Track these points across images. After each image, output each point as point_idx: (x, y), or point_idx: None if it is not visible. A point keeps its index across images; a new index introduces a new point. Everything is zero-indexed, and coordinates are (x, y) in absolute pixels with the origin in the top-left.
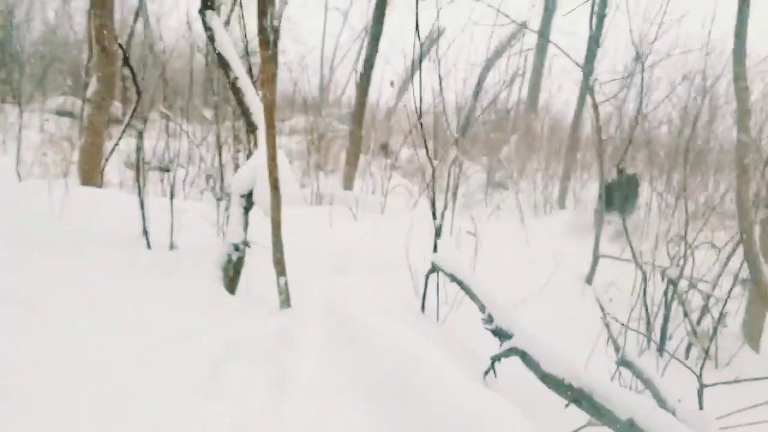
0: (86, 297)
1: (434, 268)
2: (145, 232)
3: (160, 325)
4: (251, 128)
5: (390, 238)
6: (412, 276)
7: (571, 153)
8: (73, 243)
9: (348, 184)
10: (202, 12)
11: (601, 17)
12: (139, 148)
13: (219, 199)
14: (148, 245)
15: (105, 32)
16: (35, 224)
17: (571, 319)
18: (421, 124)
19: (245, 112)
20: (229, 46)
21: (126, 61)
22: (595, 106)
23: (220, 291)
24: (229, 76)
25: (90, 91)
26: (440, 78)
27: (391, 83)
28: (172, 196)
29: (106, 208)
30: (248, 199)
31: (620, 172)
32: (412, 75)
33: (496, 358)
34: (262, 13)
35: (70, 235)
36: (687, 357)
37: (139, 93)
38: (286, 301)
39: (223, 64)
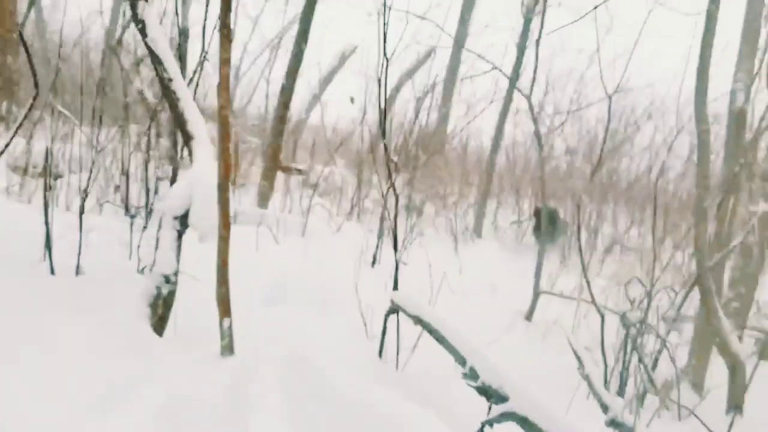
0: None
1: (394, 308)
2: (49, 255)
3: (77, 384)
4: (186, 138)
5: (321, 265)
6: (362, 314)
7: (487, 180)
8: None
9: (263, 202)
10: (132, 2)
11: (522, 49)
12: (49, 153)
13: (133, 216)
14: (52, 270)
15: (6, 17)
16: None
17: (520, 364)
18: (386, 147)
19: (179, 120)
20: (164, 42)
21: (26, 51)
22: (539, 137)
23: (147, 332)
24: (162, 77)
25: None
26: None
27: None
28: (81, 211)
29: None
30: (183, 221)
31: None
32: (322, 89)
33: (488, 423)
34: (226, 7)
35: None
36: (642, 405)
37: (37, 87)
38: (228, 348)
39: (156, 62)
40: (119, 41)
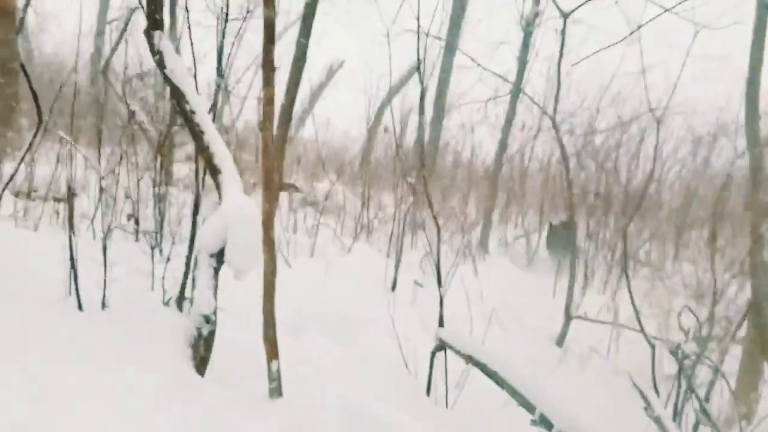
0: (10, 387)
1: (442, 346)
2: (76, 290)
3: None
4: (213, 172)
5: (338, 289)
6: (400, 347)
7: (491, 195)
8: None
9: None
10: (148, 33)
11: (524, 62)
12: (71, 189)
13: (153, 247)
14: (80, 306)
15: (8, 47)
16: None
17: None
18: (423, 165)
19: (204, 153)
20: (183, 73)
21: (29, 82)
22: (565, 158)
23: (191, 374)
24: (183, 109)
25: None
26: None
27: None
28: (105, 247)
29: (14, 253)
30: (219, 258)
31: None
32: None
33: None
34: (269, 41)
35: None
36: None
37: (40, 118)
38: (277, 390)
39: (176, 94)
40: (107, 64)
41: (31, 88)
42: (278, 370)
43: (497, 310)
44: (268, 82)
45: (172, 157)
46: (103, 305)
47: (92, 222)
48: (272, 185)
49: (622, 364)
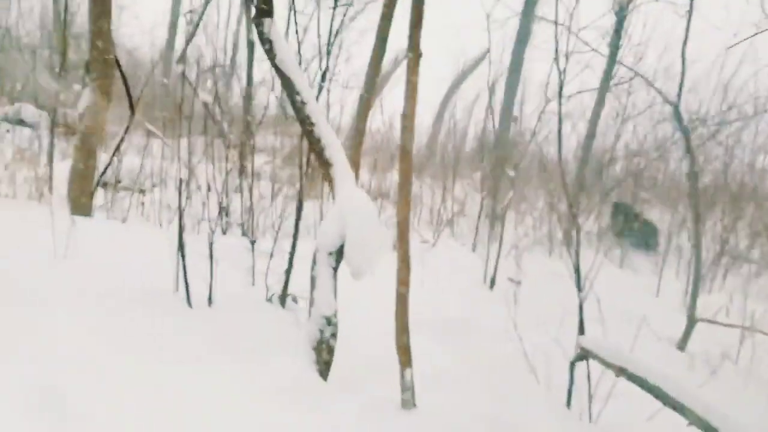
0: (135, 389)
1: (584, 355)
2: (186, 288)
3: None
4: (325, 166)
5: (438, 287)
6: (526, 356)
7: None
8: (96, 302)
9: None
10: (257, 21)
11: (616, 47)
12: (183, 184)
13: (253, 242)
14: (189, 303)
15: (103, 37)
16: (40, 271)
17: None
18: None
19: (315, 146)
20: (293, 63)
21: (122, 75)
22: (691, 150)
23: (314, 378)
24: (294, 100)
25: (82, 104)
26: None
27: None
28: (212, 243)
29: (119, 246)
30: (338, 256)
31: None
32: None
33: None
34: (417, 26)
35: (90, 289)
36: None
37: (133, 110)
38: (411, 401)
39: (287, 85)
40: (182, 56)
41: (125, 82)
42: (412, 379)
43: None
44: (414, 68)
45: (254, 149)
46: (210, 301)
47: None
48: (407, 186)
49: (755, 370)
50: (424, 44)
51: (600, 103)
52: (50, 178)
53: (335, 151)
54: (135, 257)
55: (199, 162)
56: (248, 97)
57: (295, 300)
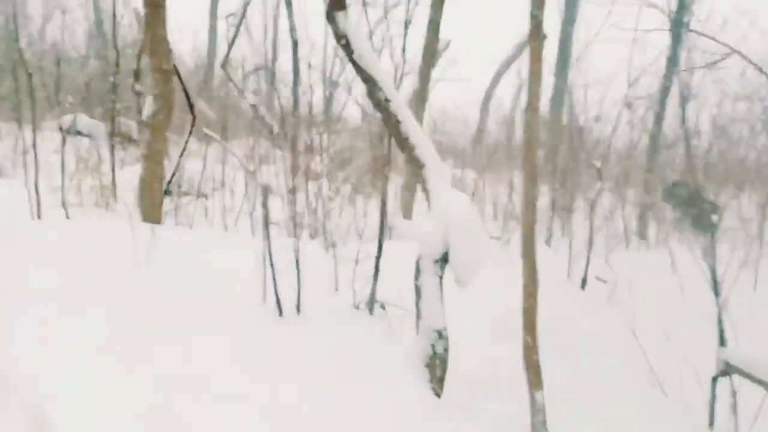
0: (247, 408)
1: (728, 370)
2: (276, 296)
3: None
4: (416, 165)
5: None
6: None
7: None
8: (188, 314)
9: (408, 212)
10: (330, 14)
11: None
12: (267, 191)
13: (332, 246)
14: (280, 312)
15: (160, 44)
16: (124, 282)
17: None
18: None
19: (403, 145)
20: (373, 58)
21: (181, 81)
22: None
23: (429, 397)
24: (377, 97)
25: (146, 113)
26: None
27: None
28: (298, 249)
29: (195, 253)
30: (442, 264)
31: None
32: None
33: None
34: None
35: (178, 300)
36: None
37: (193, 114)
38: (542, 424)
39: (368, 81)
40: (226, 59)
41: (184, 89)
42: (543, 402)
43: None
44: (536, 54)
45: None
46: (298, 310)
47: (235, 215)
48: (533, 189)
49: None
50: (465, 29)
51: (667, 84)
52: (114, 186)
53: (426, 150)
54: (214, 264)
55: (262, 164)
56: (296, 97)
57: (382, 307)
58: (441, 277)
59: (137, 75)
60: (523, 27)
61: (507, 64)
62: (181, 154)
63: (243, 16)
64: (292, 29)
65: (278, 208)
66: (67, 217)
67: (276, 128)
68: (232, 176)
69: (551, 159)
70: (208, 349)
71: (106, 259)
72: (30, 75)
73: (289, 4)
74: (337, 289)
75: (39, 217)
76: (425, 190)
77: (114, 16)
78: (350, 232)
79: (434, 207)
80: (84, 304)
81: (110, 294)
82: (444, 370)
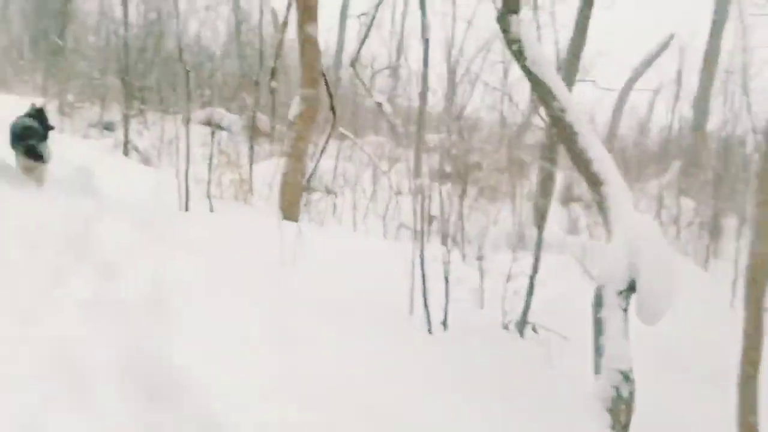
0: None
1: None
2: (427, 313)
3: None
4: (592, 182)
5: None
6: None
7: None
8: (337, 323)
9: (541, 222)
10: (503, 18)
11: None
12: (421, 192)
13: (480, 258)
14: (429, 328)
15: (311, 44)
16: (273, 281)
17: None
18: None
19: (579, 159)
20: (548, 65)
21: (326, 83)
22: None
23: None
24: (551, 107)
25: (293, 112)
26: None
27: None
28: (448, 262)
29: (340, 257)
30: (627, 295)
31: None
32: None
33: None
34: None
35: (326, 305)
36: None
37: (334, 113)
38: None
39: (541, 90)
40: (356, 58)
41: (328, 89)
42: None
43: None
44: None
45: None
46: (445, 326)
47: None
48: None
49: None
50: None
51: None
52: (250, 180)
53: (606, 166)
54: (358, 268)
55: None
56: (424, 96)
57: (534, 330)
58: (626, 310)
59: (274, 73)
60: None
61: (644, 68)
62: (321, 152)
63: (374, 16)
64: (424, 28)
65: (406, 210)
66: (211, 210)
67: (401, 127)
68: (359, 174)
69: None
70: (358, 360)
71: (252, 255)
72: (188, 72)
73: (423, 4)
74: (482, 307)
75: (187, 209)
76: (603, 209)
77: (261, 13)
78: (482, 240)
79: (616, 229)
80: (236, 301)
81: (260, 292)
82: (629, 417)
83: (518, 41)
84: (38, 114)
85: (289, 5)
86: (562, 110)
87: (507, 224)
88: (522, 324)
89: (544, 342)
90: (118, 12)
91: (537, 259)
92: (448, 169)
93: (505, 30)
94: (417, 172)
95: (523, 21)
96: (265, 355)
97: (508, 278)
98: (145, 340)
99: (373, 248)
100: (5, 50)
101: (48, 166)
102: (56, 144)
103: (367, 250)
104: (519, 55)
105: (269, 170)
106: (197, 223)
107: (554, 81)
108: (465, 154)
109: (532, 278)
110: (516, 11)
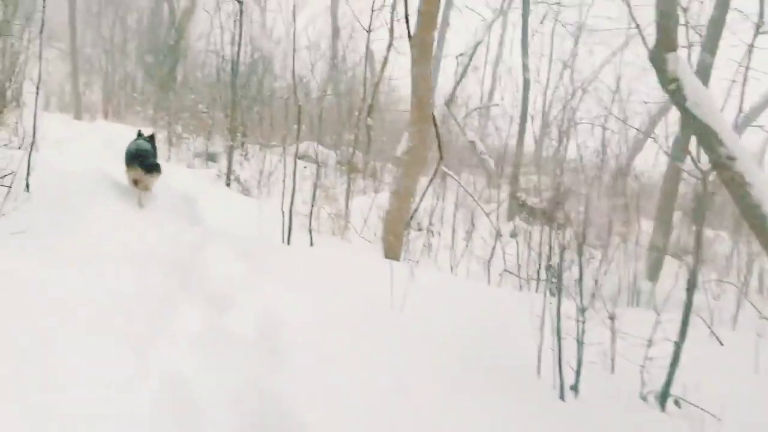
0: None
1: None
2: (560, 375)
3: None
4: (766, 239)
5: None
6: None
7: None
8: (453, 380)
9: (654, 275)
10: (658, 56)
11: None
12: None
13: (612, 318)
14: (561, 394)
15: (425, 82)
16: (383, 327)
17: None
18: None
19: (751, 215)
20: (713, 107)
21: (434, 122)
22: None
23: None
24: (717, 153)
25: (401, 149)
26: None
27: None
28: (580, 321)
29: (451, 303)
30: None
31: None
32: None
33: None
34: None
35: (440, 360)
36: None
37: (441, 155)
38: None
39: (704, 134)
40: (451, 97)
41: (436, 128)
42: None
43: None
44: None
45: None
46: (576, 391)
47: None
48: None
49: None
50: None
51: None
52: (347, 215)
53: None
54: (474, 317)
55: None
56: (522, 135)
57: (677, 404)
58: None
59: (371, 110)
60: None
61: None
62: (425, 191)
63: (472, 55)
64: (525, 68)
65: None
66: (311, 244)
67: (493, 166)
68: (451, 213)
69: None
70: (481, 421)
71: (358, 293)
72: (300, 108)
73: (525, 44)
74: (612, 371)
75: (288, 243)
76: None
77: (366, 54)
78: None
79: None
80: (348, 343)
81: (371, 335)
82: None
83: (676, 80)
84: (150, 140)
85: (390, 45)
86: (731, 158)
87: (614, 276)
88: (664, 396)
89: (689, 418)
90: (226, 50)
91: (685, 324)
92: (546, 212)
93: (661, 69)
94: (511, 215)
95: (682, 59)
96: (378, 403)
97: (650, 343)
98: (257, 377)
99: (485, 294)
100: (120, 83)
101: (155, 179)
102: (163, 172)
103: (479, 295)
104: (677, 96)
105: (364, 205)
106: (300, 258)
107: (720, 124)
108: (566, 198)
109: (678, 345)
110: (674, 48)
